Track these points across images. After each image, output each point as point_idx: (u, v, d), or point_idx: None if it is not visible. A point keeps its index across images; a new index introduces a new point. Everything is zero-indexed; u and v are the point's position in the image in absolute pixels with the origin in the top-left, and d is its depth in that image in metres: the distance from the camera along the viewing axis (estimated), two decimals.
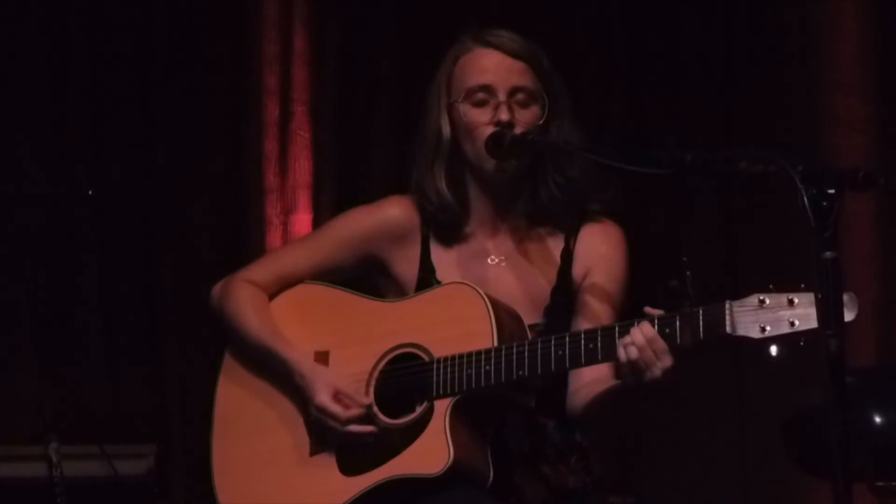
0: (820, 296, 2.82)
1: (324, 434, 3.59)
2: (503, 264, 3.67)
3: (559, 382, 3.57)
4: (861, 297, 5.18)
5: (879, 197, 5.26)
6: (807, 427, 4.39)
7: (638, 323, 3.29)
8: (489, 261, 3.68)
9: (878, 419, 4.36)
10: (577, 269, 3.65)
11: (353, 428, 3.53)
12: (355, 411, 3.53)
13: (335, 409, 3.53)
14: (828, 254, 2.82)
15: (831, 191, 2.85)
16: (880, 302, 5.34)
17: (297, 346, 3.66)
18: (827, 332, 2.81)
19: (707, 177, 5.32)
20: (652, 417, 5.34)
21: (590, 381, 3.50)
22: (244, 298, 3.73)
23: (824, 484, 4.46)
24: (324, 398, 3.55)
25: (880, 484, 4.53)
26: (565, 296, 3.63)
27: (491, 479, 3.43)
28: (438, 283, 3.64)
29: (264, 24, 5.53)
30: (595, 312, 3.57)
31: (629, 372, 3.29)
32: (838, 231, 2.84)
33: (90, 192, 4.55)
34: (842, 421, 2.80)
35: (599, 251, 3.65)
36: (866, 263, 5.33)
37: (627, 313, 3.48)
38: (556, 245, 3.67)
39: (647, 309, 3.29)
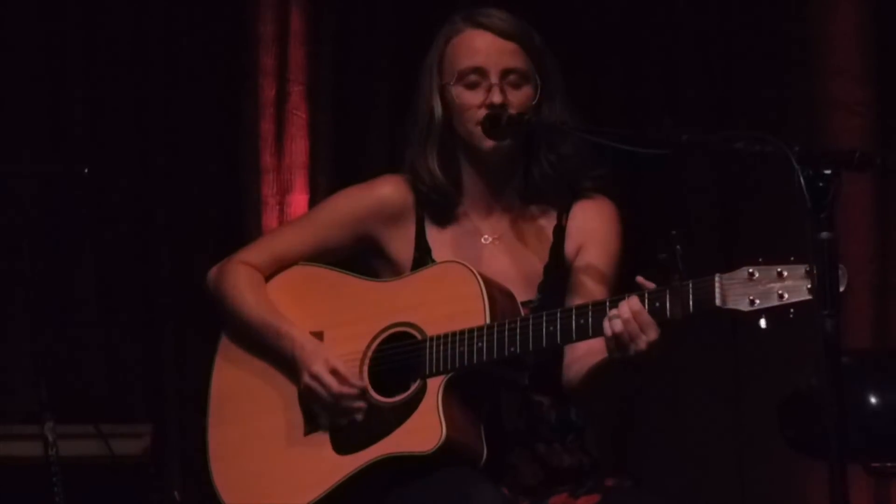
0: (816, 276, 2.82)
1: (316, 412, 3.59)
2: (497, 243, 3.67)
3: (553, 360, 3.57)
4: (857, 279, 5.25)
5: (876, 179, 5.27)
6: (802, 408, 4.40)
7: (628, 297, 3.29)
8: (483, 240, 3.68)
9: (873, 400, 4.37)
10: (570, 245, 3.65)
11: (344, 399, 3.52)
12: (347, 388, 3.53)
13: (329, 379, 3.54)
14: (824, 234, 2.82)
15: (828, 171, 2.85)
16: (876, 283, 5.35)
17: (295, 323, 3.66)
18: (823, 312, 2.81)
19: (703, 155, 5.33)
20: (644, 392, 5.36)
21: (583, 354, 3.50)
22: (240, 279, 3.73)
23: (820, 465, 4.47)
24: (320, 367, 3.55)
25: (875, 465, 4.54)
26: (559, 272, 3.63)
27: (485, 458, 3.43)
28: (434, 262, 3.63)
29: (261, 4, 5.52)
30: (588, 287, 3.57)
31: (615, 346, 3.29)
32: (835, 212, 2.84)
33: (85, 171, 4.55)
34: (837, 402, 2.80)
35: (592, 226, 3.65)
36: (863, 245, 5.33)
37: (621, 288, 3.48)
38: (549, 222, 3.67)
39: (640, 279, 3.29)
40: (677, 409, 5.48)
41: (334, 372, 3.55)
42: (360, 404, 3.53)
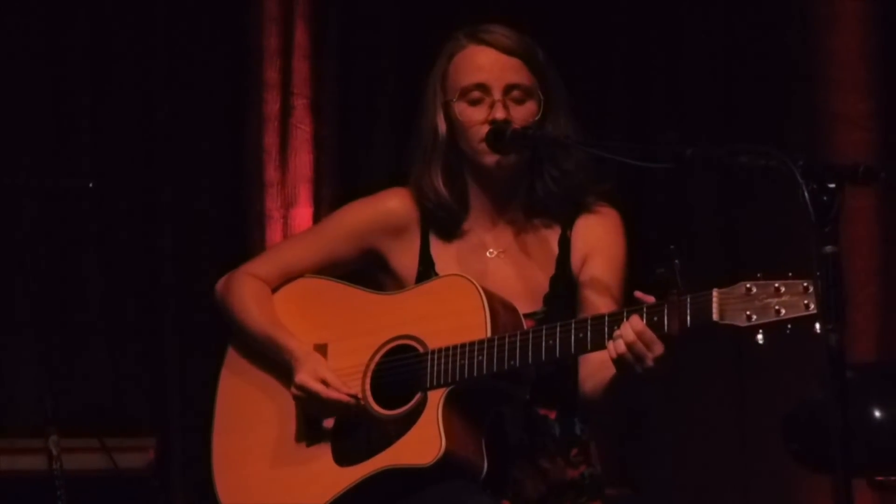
0: (819, 290, 2.81)
1: (317, 423, 3.60)
2: (502, 257, 3.68)
3: (558, 373, 3.57)
4: (861, 293, 5.25)
5: (880, 192, 5.27)
6: (807, 421, 4.40)
7: (627, 313, 3.28)
8: (488, 254, 3.68)
9: (877, 414, 4.36)
10: (576, 256, 3.65)
11: (332, 405, 3.53)
12: (335, 394, 3.54)
13: (317, 387, 3.55)
14: (828, 249, 2.82)
15: (832, 185, 2.85)
16: (880, 297, 5.35)
17: (297, 336, 3.67)
18: (827, 327, 2.81)
19: (707, 170, 5.33)
20: (653, 404, 5.36)
21: (597, 367, 3.48)
22: (246, 291, 3.75)
23: (823, 478, 4.48)
24: (304, 377, 3.57)
25: (880, 479, 4.53)
26: (564, 284, 3.63)
27: (485, 471, 3.43)
28: (437, 276, 3.64)
29: (265, 18, 5.53)
30: (596, 297, 3.57)
31: (621, 366, 3.28)
32: (839, 226, 2.83)
33: (91, 185, 4.55)
34: (842, 416, 2.80)
35: (597, 235, 3.65)
36: (866, 258, 5.33)
37: (628, 296, 3.48)
38: (553, 235, 3.67)
39: (638, 294, 3.29)
40: (681, 422, 5.48)
41: (323, 381, 3.56)
42: (346, 397, 3.53)
